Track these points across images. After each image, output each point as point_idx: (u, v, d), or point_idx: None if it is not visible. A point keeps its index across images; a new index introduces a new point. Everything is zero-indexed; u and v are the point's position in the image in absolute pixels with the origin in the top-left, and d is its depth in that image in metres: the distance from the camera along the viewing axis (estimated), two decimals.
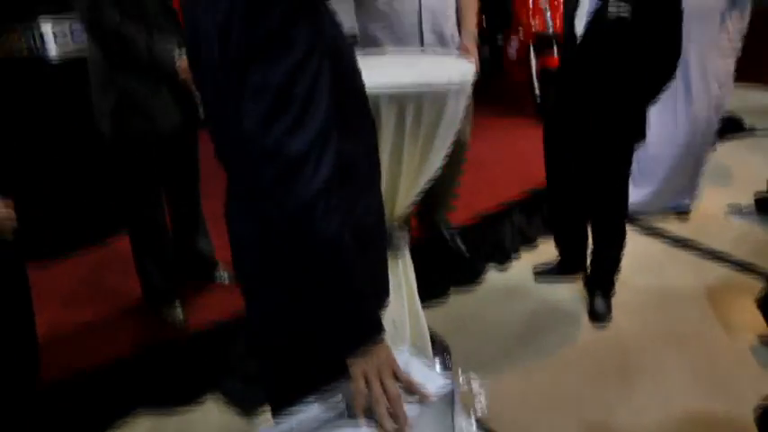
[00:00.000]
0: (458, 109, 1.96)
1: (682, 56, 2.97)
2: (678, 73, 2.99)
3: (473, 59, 2.61)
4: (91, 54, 2.19)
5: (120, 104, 2.17)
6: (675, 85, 3.09)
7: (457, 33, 2.76)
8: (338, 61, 1.03)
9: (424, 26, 2.60)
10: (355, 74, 1.13)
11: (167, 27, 2.16)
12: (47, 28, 2.88)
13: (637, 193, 3.46)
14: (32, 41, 2.86)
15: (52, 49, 2.89)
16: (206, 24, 1.01)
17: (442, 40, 2.67)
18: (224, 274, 2.86)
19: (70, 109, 2.90)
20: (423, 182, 2.06)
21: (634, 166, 3.28)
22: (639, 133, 2.57)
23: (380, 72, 1.99)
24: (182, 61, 2.11)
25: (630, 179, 3.20)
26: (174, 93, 2.21)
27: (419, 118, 1.83)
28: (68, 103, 2.91)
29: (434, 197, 2.93)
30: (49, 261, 3.09)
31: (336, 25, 1.08)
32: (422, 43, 2.62)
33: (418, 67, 2.08)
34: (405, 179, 1.95)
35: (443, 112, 1.88)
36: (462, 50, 2.72)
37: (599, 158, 2.58)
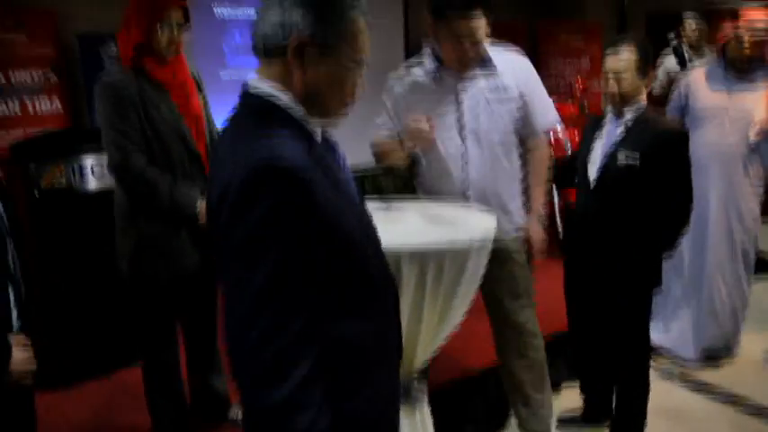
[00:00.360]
0: (479, 265, 1.96)
1: (703, 200, 2.98)
2: (701, 218, 3.00)
3: (536, 244, 2.44)
4: (116, 196, 2.25)
5: (140, 247, 2.18)
6: (698, 229, 3.07)
7: (513, 208, 2.43)
8: (338, 238, 1.00)
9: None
10: (358, 244, 1.07)
11: (192, 173, 2.19)
12: (86, 162, 3.01)
13: (665, 332, 3.35)
14: (72, 175, 2.99)
15: (90, 182, 3.01)
16: (214, 190, 1.02)
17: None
18: (238, 414, 2.77)
19: (97, 239, 2.96)
20: (442, 337, 2.02)
21: (667, 302, 3.21)
22: (656, 280, 2.54)
23: (403, 228, 2.02)
24: (202, 206, 2.12)
25: (659, 318, 3.13)
26: (193, 236, 2.20)
27: (440, 276, 1.83)
28: (97, 234, 2.97)
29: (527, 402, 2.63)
30: (58, 391, 3.04)
31: (342, 190, 1.05)
32: None
33: (441, 221, 2.10)
34: (424, 336, 1.92)
35: (464, 269, 1.88)
36: (525, 232, 2.45)
37: (617, 304, 2.53)
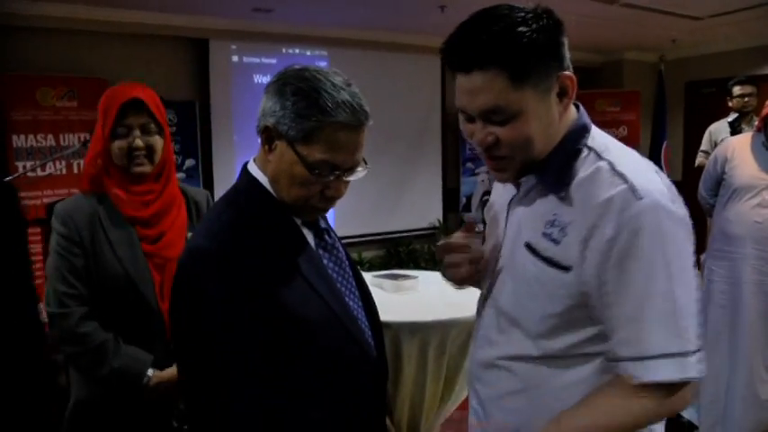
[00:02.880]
0: None
1: (735, 275, 2.85)
2: (733, 294, 2.86)
3: None
4: None
5: (74, 413, 1.59)
6: (731, 305, 2.92)
7: None
8: (283, 320, 1.00)
9: None
10: (314, 327, 1.03)
11: (147, 333, 1.55)
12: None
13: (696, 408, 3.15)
14: None
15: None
16: None
17: None
18: None
19: None
20: (447, 412, 1.97)
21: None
22: None
23: (408, 298, 2.00)
24: (157, 376, 1.53)
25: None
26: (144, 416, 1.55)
27: (443, 350, 1.79)
28: None
29: None
30: None
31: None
32: None
33: (448, 293, 2.07)
34: (427, 413, 1.87)
35: (469, 343, 1.83)
36: None
37: None
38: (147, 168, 1.54)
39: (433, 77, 5.94)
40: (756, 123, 3.03)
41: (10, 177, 2.60)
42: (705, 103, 6.06)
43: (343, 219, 5.23)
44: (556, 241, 0.96)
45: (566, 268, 0.95)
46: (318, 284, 1.06)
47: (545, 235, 0.98)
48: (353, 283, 1.18)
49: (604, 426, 0.94)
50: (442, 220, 6.08)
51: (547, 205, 0.99)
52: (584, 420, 0.95)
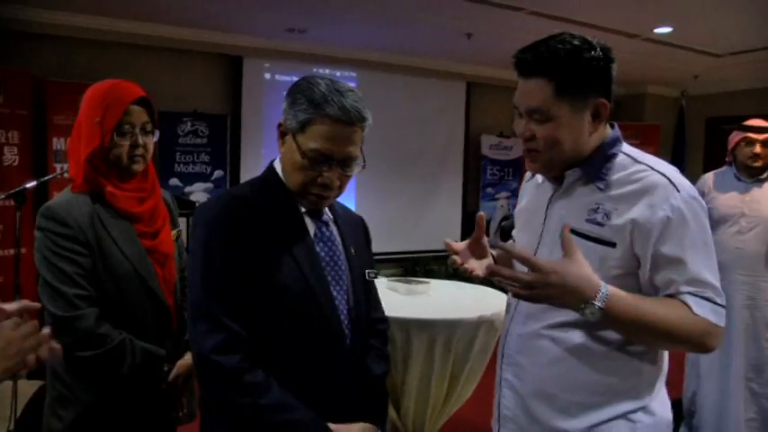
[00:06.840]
0: (489, 341, 2.01)
1: (727, 306, 2.89)
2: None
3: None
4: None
5: (80, 420, 1.50)
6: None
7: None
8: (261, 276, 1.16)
9: None
10: (284, 290, 1.18)
11: (157, 330, 1.56)
12: None
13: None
14: None
15: None
16: None
17: None
18: None
19: None
20: (451, 410, 2.05)
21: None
22: None
23: (419, 300, 2.10)
24: (180, 368, 1.58)
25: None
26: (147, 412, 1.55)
27: (449, 348, 1.89)
28: None
29: None
30: None
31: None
32: None
33: (458, 298, 2.18)
34: (432, 409, 1.96)
35: (473, 344, 1.93)
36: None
37: None
38: (141, 166, 1.54)
39: (458, 103, 6.09)
40: (727, 158, 3.18)
41: (46, 178, 2.73)
42: (726, 139, 6.11)
43: None
44: (600, 224, 1.16)
45: (612, 244, 1.15)
46: (301, 260, 1.20)
47: (588, 220, 1.17)
48: (344, 278, 1.28)
49: (671, 322, 1.11)
50: (460, 242, 6.17)
51: (588, 197, 1.19)
52: (656, 307, 1.12)
